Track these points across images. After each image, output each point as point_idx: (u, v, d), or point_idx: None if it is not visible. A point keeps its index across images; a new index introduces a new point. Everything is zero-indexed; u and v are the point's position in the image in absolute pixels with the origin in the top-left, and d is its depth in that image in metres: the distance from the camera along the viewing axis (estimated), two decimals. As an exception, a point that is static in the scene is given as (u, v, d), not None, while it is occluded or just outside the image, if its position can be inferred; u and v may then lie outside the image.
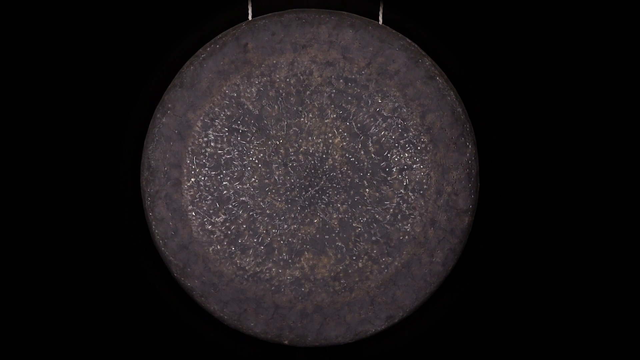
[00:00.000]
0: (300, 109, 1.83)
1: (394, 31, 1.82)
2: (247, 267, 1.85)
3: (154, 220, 1.84)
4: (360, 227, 1.84)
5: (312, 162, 1.84)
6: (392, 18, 1.86)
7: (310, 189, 1.84)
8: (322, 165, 1.84)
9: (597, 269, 1.99)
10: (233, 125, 1.83)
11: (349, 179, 1.84)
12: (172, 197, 1.83)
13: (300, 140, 1.83)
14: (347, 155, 1.84)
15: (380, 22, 1.86)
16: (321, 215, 1.84)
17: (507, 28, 1.96)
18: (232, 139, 1.83)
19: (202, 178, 1.83)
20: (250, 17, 1.86)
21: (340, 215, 1.84)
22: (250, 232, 1.84)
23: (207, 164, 1.84)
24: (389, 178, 1.84)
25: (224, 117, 1.83)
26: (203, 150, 1.83)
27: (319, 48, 1.82)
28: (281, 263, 1.85)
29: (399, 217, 1.84)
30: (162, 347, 2.02)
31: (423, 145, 1.83)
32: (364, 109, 1.83)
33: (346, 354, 1.99)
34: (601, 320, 1.99)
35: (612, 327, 1.99)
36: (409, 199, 1.84)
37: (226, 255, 1.84)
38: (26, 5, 1.92)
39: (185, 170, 1.84)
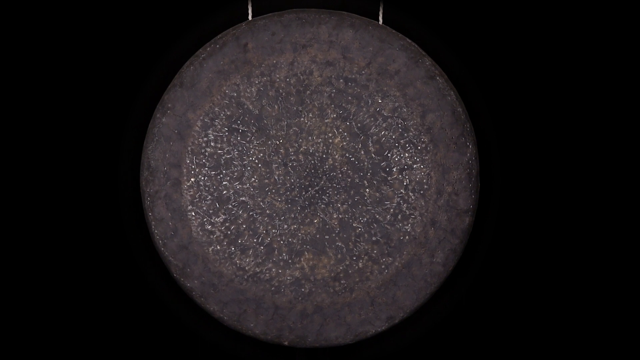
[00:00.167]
0: (300, 108, 1.83)
1: (394, 31, 1.82)
2: (246, 268, 1.84)
3: (154, 221, 1.83)
4: (360, 227, 1.84)
5: (312, 162, 1.84)
6: (392, 18, 1.86)
7: (310, 189, 1.84)
8: (322, 165, 1.84)
9: (598, 269, 1.99)
10: (233, 125, 1.83)
11: (349, 179, 1.84)
12: (171, 197, 1.83)
13: (300, 140, 1.83)
14: (347, 155, 1.83)
15: (380, 22, 1.86)
16: (321, 216, 1.84)
17: (507, 28, 1.96)
18: (232, 139, 1.83)
19: (202, 178, 1.83)
20: (250, 17, 1.86)
21: (340, 216, 1.84)
22: (250, 232, 1.84)
23: (207, 163, 1.83)
24: (389, 178, 1.84)
25: (223, 117, 1.83)
26: (203, 150, 1.83)
27: (319, 48, 1.82)
28: (281, 263, 1.84)
29: (400, 217, 1.84)
30: (161, 347, 2.01)
31: (423, 145, 1.83)
32: (364, 109, 1.83)
33: (346, 354, 1.99)
34: (601, 320, 1.99)
35: (612, 327, 1.99)
36: (410, 199, 1.84)
37: (226, 255, 1.84)
38: (26, 5, 1.92)
39: (185, 170, 1.83)
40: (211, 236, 1.84)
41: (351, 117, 1.83)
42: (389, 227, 1.84)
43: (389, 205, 1.84)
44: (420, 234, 1.84)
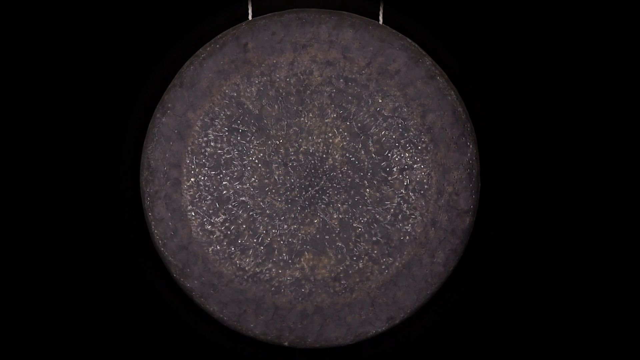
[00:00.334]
0: (300, 108, 1.83)
1: (394, 31, 1.82)
2: (246, 268, 1.84)
3: (154, 221, 1.83)
4: (360, 228, 1.84)
5: (312, 162, 1.84)
6: (392, 18, 1.86)
7: (310, 189, 1.84)
8: (322, 165, 1.84)
9: (598, 269, 1.99)
10: (233, 125, 1.83)
11: (349, 179, 1.84)
12: (171, 197, 1.83)
13: (301, 140, 1.83)
14: (347, 155, 1.83)
15: (381, 21, 1.86)
16: (321, 216, 1.84)
17: (507, 28, 1.95)
18: (232, 139, 1.83)
19: (202, 178, 1.83)
20: (250, 17, 1.86)
21: (340, 216, 1.84)
22: (250, 233, 1.84)
23: (207, 163, 1.83)
24: (389, 178, 1.84)
25: (223, 117, 1.83)
26: (203, 150, 1.83)
27: (319, 48, 1.82)
28: (281, 263, 1.84)
29: (400, 217, 1.84)
30: (161, 347, 2.01)
31: (424, 145, 1.83)
32: (365, 109, 1.83)
33: (347, 355, 1.99)
34: (601, 320, 1.99)
35: (612, 327, 1.98)
36: (410, 199, 1.83)
37: (226, 255, 1.84)
38: (26, 5, 1.93)
39: (185, 170, 1.83)
40: (211, 236, 1.84)
41: (351, 117, 1.83)
42: (389, 227, 1.84)
43: (389, 206, 1.84)
44: (420, 234, 1.84)
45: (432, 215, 1.84)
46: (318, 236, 1.84)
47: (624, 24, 1.94)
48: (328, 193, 1.84)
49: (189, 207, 1.84)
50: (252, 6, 1.87)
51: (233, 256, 1.84)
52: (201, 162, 1.83)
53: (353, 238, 1.84)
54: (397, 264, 1.84)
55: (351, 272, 1.85)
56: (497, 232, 2.00)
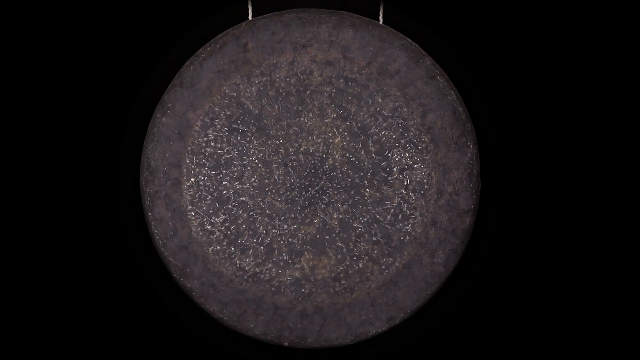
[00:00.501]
0: (300, 108, 1.83)
1: (394, 31, 1.82)
2: (246, 268, 1.84)
3: (154, 221, 1.83)
4: (360, 228, 1.84)
5: (312, 162, 1.84)
6: (392, 18, 1.86)
7: (310, 189, 1.84)
8: (322, 165, 1.84)
9: (598, 269, 1.98)
10: (233, 125, 1.83)
11: (349, 179, 1.83)
12: (171, 197, 1.83)
13: (300, 140, 1.83)
14: (347, 155, 1.83)
15: (381, 21, 1.86)
16: (321, 216, 1.84)
17: (507, 28, 1.95)
18: (232, 139, 1.83)
19: (202, 178, 1.83)
20: (250, 17, 1.86)
21: (340, 216, 1.84)
22: (250, 233, 1.84)
23: (207, 163, 1.83)
24: (389, 178, 1.83)
25: (223, 117, 1.83)
26: (203, 150, 1.83)
27: (319, 48, 1.82)
28: (281, 263, 1.84)
29: (400, 217, 1.84)
30: (161, 347, 2.01)
31: (424, 145, 1.83)
32: (365, 109, 1.83)
33: (347, 355, 1.99)
34: (601, 320, 1.99)
35: (612, 327, 1.98)
36: (410, 199, 1.83)
37: (226, 255, 1.84)
38: (26, 5, 1.93)
39: (185, 170, 1.83)
40: (211, 236, 1.84)
41: (351, 117, 1.83)
42: (389, 227, 1.84)
43: (389, 206, 1.84)
44: (420, 234, 1.84)
45: (432, 215, 1.84)
46: (318, 236, 1.84)
47: (624, 24, 1.94)
48: (328, 193, 1.84)
49: (189, 207, 1.83)
50: (252, 6, 1.87)
51: (233, 256, 1.84)
52: (201, 162, 1.83)
53: (353, 238, 1.84)
54: (397, 264, 1.84)
55: (351, 272, 1.84)
56: (497, 232, 2.00)
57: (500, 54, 1.96)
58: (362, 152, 1.83)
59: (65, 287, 1.98)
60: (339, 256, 1.84)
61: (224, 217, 1.83)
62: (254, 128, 1.83)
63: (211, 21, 1.93)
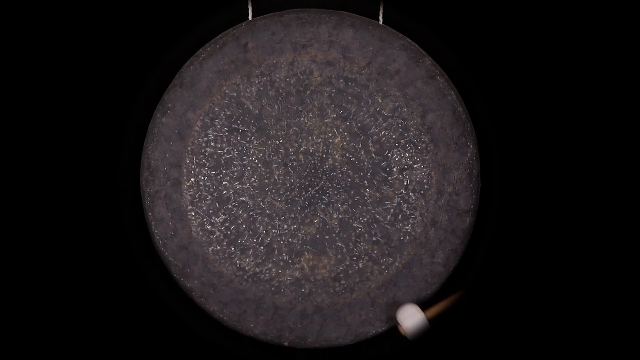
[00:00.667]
0: (300, 108, 1.83)
1: (394, 31, 1.82)
2: (246, 268, 1.84)
3: (154, 221, 1.83)
4: (360, 228, 1.84)
5: (312, 162, 1.84)
6: (392, 18, 1.86)
7: (310, 189, 1.84)
8: (322, 165, 1.84)
9: (598, 269, 1.98)
10: (233, 125, 1.83)
11: (349, 179, 1.83)
12: (171, 197, 1.83)
13: (300, 140, 1.83)
14: (347, 155, 1.83)
15: (381, 21, 1.86)
16: (321, 216, 1.84)
17: (507, 28, 1.95)
18: (232, 139, 1.83)
19: (202, 178, 1.83)
20: (250, 17, 1.86)
21: (340, 216, 1.84)
22: (250, 233, 1.84)
23: (207, 163, 1.83)
24: (389, 178, 1.83)
25: (223, 117, 1.83)
26: (203, 150, 1.83)
27: (319, 48, 1.82)
28: (281, 263, 1.84)
29: (400, 217, 1.84)
30: (161, 347, 2.01)
31: (424, 145, 1.83)
32: (364, 109, 1.83)
33: (347, 355, 1.99)
34: (601, 320, 1.99)
35: (612, 327, 1.98)
36: (410, 199, 1.83)
37: (226, 255, 1.84)
38: (26, 5, 1.93)
39: (185, 170, 1.83)
40: (211, 236, 1.84)
41: (351, 117, 1.83)
42: (389, 227, 1.84)
43: (389, 206, 1.84)
44: (420, 234, 1.84)
45: (432, 215, 1.84)
46: (318, 236, 1.84)
47: (624, 24, 1.94)
48: (328, 193, 1.84)
49: (189, 207, 1.84)
50: (252, 6, 1.87)
51: (233, 256, 1.84)
52: (201, 162, 1.83)
53: (353, 238, 1.84)
54: (397, 264, 1.84)
55: (351, 272, 1.84)
56: (497, 232, 1.99)
57: (500, 54, 1.96)
58: (362, 152, 1.83)
59: (65, 287, 1.98)
60: (339, 256, 1.84)
61: (224, 217, 1.84)
62: (254, 128, 1.83)
63: (211, 21, 1.93)
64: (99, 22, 1.94)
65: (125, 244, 1.98)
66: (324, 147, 1.83)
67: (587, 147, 1.98)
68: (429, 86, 1.82)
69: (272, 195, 1.84)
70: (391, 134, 1.83)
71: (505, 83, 1.97)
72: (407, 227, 1.84)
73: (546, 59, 1.97)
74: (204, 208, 1.83)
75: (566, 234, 1.99)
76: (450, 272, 1.86)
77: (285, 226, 1.84)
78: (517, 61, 1.96)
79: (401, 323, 1.78)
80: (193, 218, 1.83)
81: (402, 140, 1.83)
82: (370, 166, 1.83)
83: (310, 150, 1.83)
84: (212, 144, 1.83)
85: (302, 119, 1.83)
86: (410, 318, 1.77)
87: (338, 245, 1.84)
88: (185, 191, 1.83)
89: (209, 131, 1.83)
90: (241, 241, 1.84)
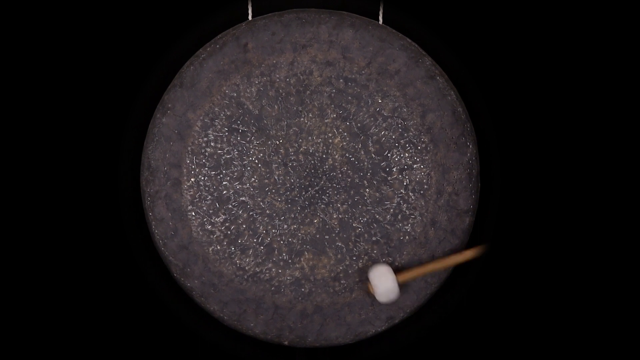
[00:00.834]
0: (300, 108, 1.83)
1: (394, 31, 1.82)
2: (247, 268, 1.84)
3: (154, 221, 1.84)
4: (360, 227, 1.84)
5: (312, 162, 1.84)
6: (392, 18, 1.86)
7: (310, 189, 1.84)
8: (322, 165, 1.84)
9: (597, 269, 1.99)
10: (233, 125, 1.83)
11: (349, 179, 1.84)
12: (172, 197, 1.83)
13: (300, 140, 1.83)
14: (347, 155, 1.83)
15: (381, 21, 1.86)
16: (321, 216, 1.84)
17: (507, 28, 1.95)
18: (232, 139, 1.83)
19: (202, 178, 1.83)
20: (250, 17, 1.86)
21: (340, 216, 1.84)
22: (250, 232, 1.84)
23: (207, 163, 1.83)
24: (389, 178, 1.84)
25: (223, 117, 1.83)
26: (203, 150, 1.83)
27: (319, 48, 1.82)
28: (281, 263, 1.84)
29: (400, 217, 1.84)
30: (161, 347, 2.01)
31: (423, 145, 1.83)
32: (364, 109, 1.83)
33: (347, 355, 1.99)
34: (601, 320, 1.99)
35: (612, 327, 1.98)
36: (410, 199, 1.84)
37: (226, 255, 1.84)
38: (26, 5, 1.92)
39: (185, 170, 1.83)
40: (211, 236, 1.84)
41: (351, 117, 1.83)
42: (389, 227, 1.84)
43: (389, 206, 1.84)
44: (420, 234, 1.84)
45: (431, 215, 1.84)
46: (318, 236, 1.84)
47: (624, 24, 1.94)
48: (328, 193, 1.84)
49: (189, 207, 1.84)
50: (252, 6, 1.87)
51: (233, 256, 1.84)
52: (201, 162, 1.83)
53: (353, 238, 1.84)
54: (396, 263, 1.84)
55: (351, 272, 1.85)
56: (497, 232, 1.99)
57: (500, 54, 1.96)
58: (362, 152, 1.83)
59: (65, 287, 1.98)
60: (339, 256, 1.84)
61: (224, 217, 1.84)
62: (254, 128, 1.83)
63: (211, 21, 1.93)
64: (99, 22, 1.94)
65: (125, 244, 1.98)
66: (324, 147, 1.83)
67: (587, 147, 1.98)
68: (428, 86, 1.82)
69: (272, 195, 1.84)
70: (391, 134, 1.83)
71: (505, 83, 1.97)
72: (406, 227, 1.84)
73: (546, 59, 1.97)
74: (204, 208, 1.83)
75: (566, 234, 1.99)
76: (450, 272, 1.86)
77: (285, 226, 1.84)
78: (517, 61, 1.96)
79: (372, 283, 1.78)
80: (193, 218, 1.84)
81: (401, 141, 1.83)
82: (370, 166, 1.83)
83: (310, 151, 1.83)
84: (212, 144, 1.83)
85: (302, 119, 1.83)
86: (383, 280, 1.77)
87: (338, 245, 1.84)
88: (185, 191, 1.83)
89: (209, 131, 1.83)
90: (241, 241, 1.84)
